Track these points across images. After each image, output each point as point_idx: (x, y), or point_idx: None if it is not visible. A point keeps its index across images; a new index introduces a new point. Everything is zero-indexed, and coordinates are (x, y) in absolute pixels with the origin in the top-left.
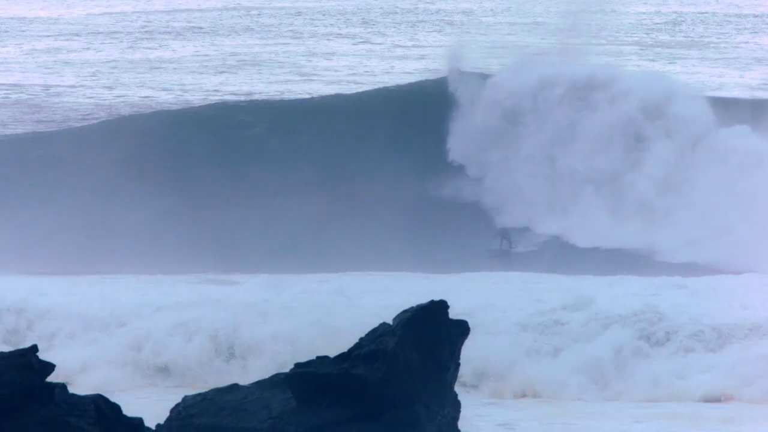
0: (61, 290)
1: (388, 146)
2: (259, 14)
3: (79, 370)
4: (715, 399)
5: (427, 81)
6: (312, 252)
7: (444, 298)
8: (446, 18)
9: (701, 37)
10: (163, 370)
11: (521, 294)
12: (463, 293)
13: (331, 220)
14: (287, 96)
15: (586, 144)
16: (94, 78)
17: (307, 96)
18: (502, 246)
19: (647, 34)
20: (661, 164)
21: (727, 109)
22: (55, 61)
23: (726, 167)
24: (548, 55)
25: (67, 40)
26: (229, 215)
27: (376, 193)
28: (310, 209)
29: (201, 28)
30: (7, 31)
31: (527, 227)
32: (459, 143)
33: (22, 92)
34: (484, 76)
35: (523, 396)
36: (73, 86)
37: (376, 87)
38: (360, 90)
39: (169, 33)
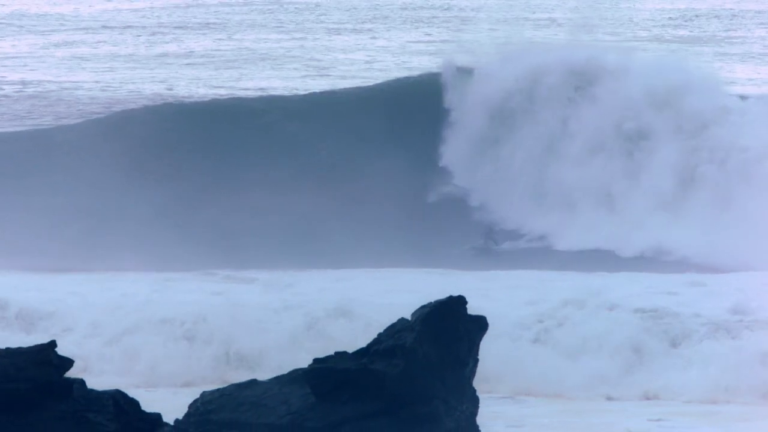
0: (67, 288)
1: (377, 144)
2: (271, 11)
3: (81, 369)
4: (729, 397)
5: (421, 76)
6: (307, 249)
7: (444, 295)
8: (460, 14)
9: (718, 32)
10: (167, 373)
11: (524, 291)
12: (466, 291)
13: (325, 216)
14: (300, 92)
15: (582, 140)
16: (109, 72)
17: (316, 91)
18: (487, 244)
19: (662, 28)
20: (664, 168)
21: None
22: (70, 56)
23: (732, 165)
24: (543, 43)
25: (84, 34)
26: (234, 212)
27: (361, 192)
28: (304, 205)
29: (216, 23)
30: (22, 26)
31: (518, 226)
32: (449, 139)
33: (38, 86)
34: (478, 71)
35: (527, 395)
36: (87, 81)
37: (375, 82)
38: (363, 84)
39: (183, 28)
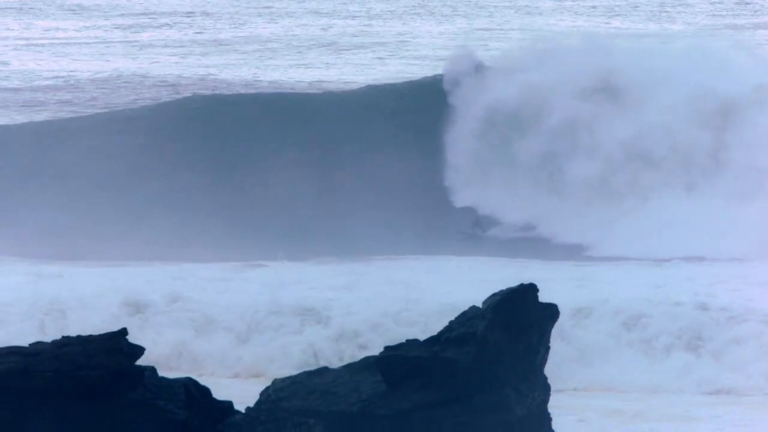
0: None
1: (380, 139)
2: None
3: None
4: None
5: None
6: (327, 241)
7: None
8: (514, 4)
9: None
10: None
11: (576, 283)
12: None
13: (324, 205)
14: (357, 80)
15: (595, 155)
16: (170, 57)
17: (369, 83)
18: (474, 230)
19: (727, 18)
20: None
21: None
22: (129, 43)
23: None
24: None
25: (146, 18)
26: (258, 201)
27: (358, 183)
28: (313, 196)
29: (278, 8)
30: (77, 12)
31: (515, 216)
32: (450, 137)
33: (101, 73)
34: (486, 68)
35: (590, 389)
36: (146, 67)
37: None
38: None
39: (242, 14)
